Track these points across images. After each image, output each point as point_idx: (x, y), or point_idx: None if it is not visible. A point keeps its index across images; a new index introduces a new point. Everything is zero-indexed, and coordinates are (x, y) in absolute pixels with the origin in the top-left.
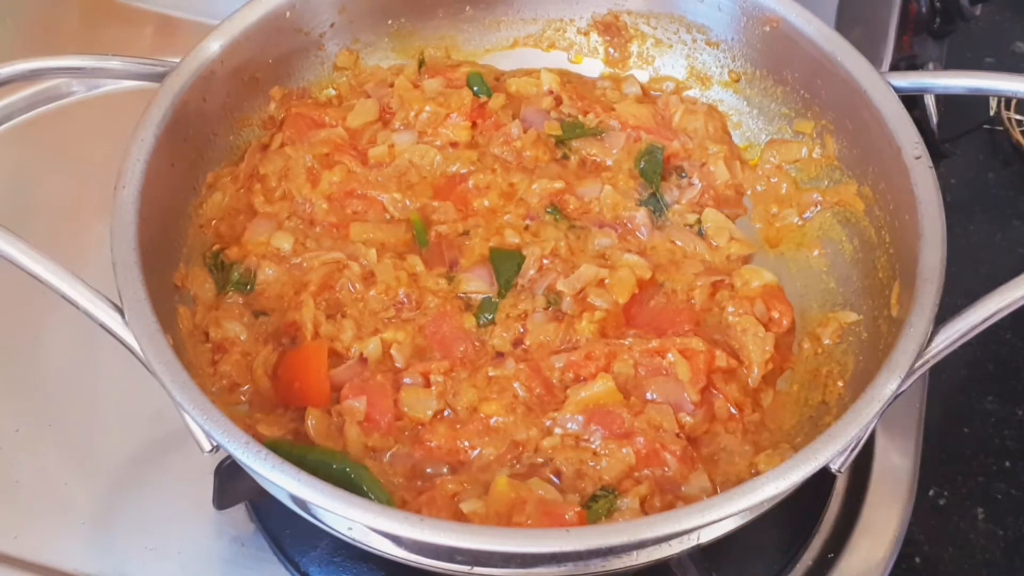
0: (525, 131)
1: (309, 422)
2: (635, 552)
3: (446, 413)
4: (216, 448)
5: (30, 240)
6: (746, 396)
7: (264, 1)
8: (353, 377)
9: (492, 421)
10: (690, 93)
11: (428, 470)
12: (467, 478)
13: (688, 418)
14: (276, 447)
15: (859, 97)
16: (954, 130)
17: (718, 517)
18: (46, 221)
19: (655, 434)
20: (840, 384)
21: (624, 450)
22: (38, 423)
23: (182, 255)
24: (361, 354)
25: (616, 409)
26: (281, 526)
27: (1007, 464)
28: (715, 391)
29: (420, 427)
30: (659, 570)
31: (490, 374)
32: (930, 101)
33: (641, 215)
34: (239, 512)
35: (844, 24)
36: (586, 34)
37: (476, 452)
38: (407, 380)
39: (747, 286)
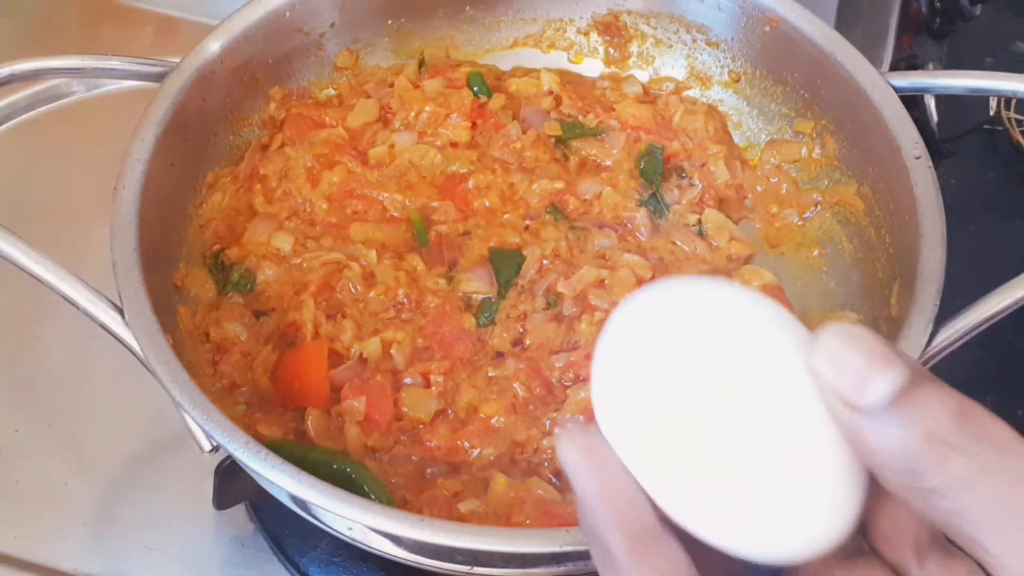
0: (525, 131)
1: (309, 422)
2: None
3: (448, 413)
4: (216, 448)
5: (30, 240)
6: None
7: (264, 1)
8: (353, 377)
9: (492, 421)
10: (690, 93)
11: (428, 470)
12: (468, 478)
13: None
14: (276, 447)
15: (859, 97)
16: (954, 130)
17: None
18: (46, 221)
19: None
20: None
21: None
22: (37, 423)
23: (182, 255)
24: (361, 354)
25: None
26: (281, 526)
27: None
28: None
29: (420, 427)
30: None
31: (490, 374)
32: (930, 101)
33: (641, 215)
34: (239, 512)
35: (844, 24)
36: (586, 34)
37: (476, 452)
38: (407, 380)
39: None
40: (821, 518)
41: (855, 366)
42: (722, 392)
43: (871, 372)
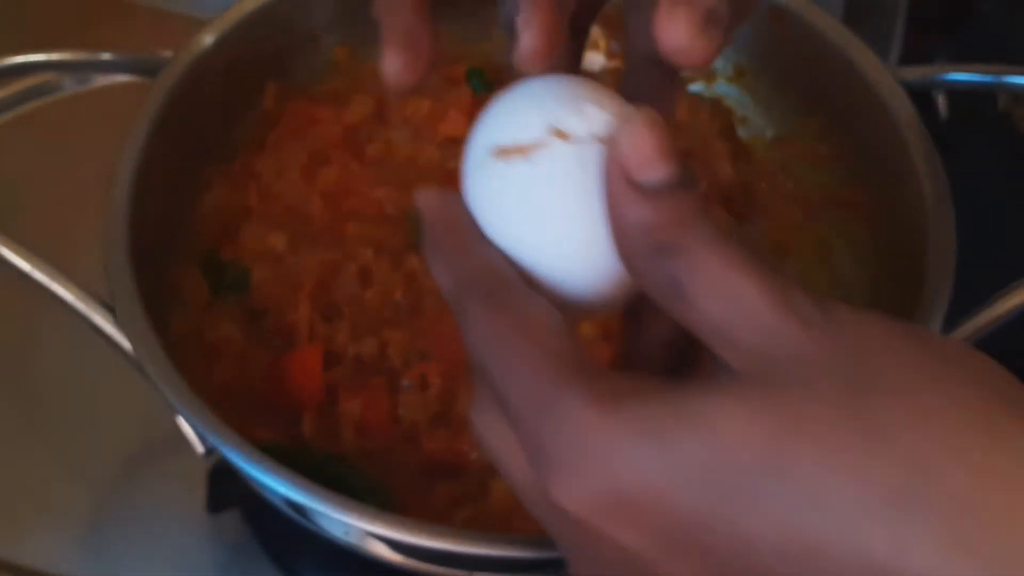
0: None
1: (304, 425)
2: None
3: (444, 416)
4: (210, 451)
5: (19, 237)
6: None
7: None
8: (349, 379)
9: None
10: (694, 88)
11: (426, 474)
12: (466, 482)
13: None
14: (271, 450)
15: (867, 92)
16: (963, 126)
17: None
18: (36, 219)
19: None
20: None
21: None
22: (30, 427)
23: (175, 254)
24: (358, 356)
25: None
26: (276, 530)
27: None
28: None
29: (417, 430)
30: None
31: None
32: (939, 96)
33: None
34: (233, 516)
35: (852, 17)
36: None
37: (475, 455)
38: (405, 383)
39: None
40: (590, 277)
41: (650, 146)
42: (544, 159)
43: (658, 157)
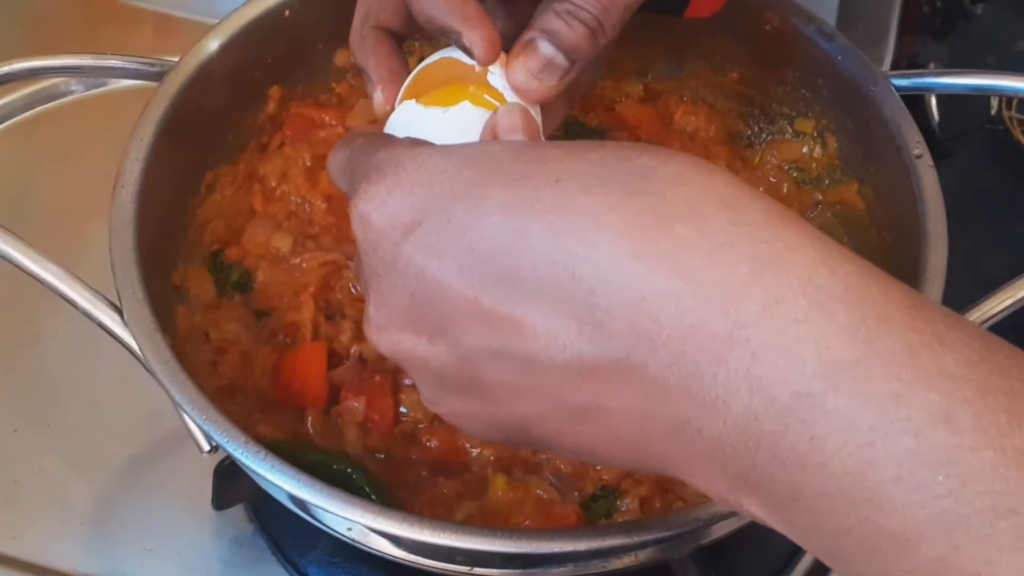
0: None
1: (308, 423)
2: (635, 553)
3: None
4: (215, 448)
5: (28, 239)
6: None
7: (262, 0)
8: (352, 378)
9: None
10: (690, 93)
11: (428, 471)
12: (468, 478)
13: None
14: (275, 448)
15: (860, 96)
16: (955, 130)
17: (719, 518)
18: (44, 220)
19: None
20: None
21: None
22: (36, 423)
23: (181, 255)
24: (361, 355)
25: None
26: (280, 527)
27: None
28: None
29: (420, 428)
30: (659, 570)
31: None
32: (931, 100)
33: None
34: (238, 512)
35: (845, 23)
36: None
37: (476, 452)
38: (407, 381)
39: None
40: None
41: (514, 125)
42: (455, 111)
43: (516, 131)
